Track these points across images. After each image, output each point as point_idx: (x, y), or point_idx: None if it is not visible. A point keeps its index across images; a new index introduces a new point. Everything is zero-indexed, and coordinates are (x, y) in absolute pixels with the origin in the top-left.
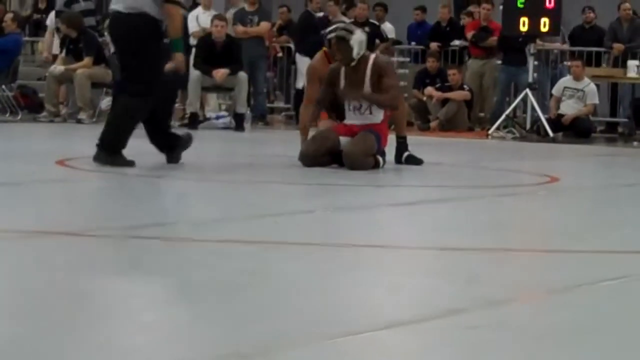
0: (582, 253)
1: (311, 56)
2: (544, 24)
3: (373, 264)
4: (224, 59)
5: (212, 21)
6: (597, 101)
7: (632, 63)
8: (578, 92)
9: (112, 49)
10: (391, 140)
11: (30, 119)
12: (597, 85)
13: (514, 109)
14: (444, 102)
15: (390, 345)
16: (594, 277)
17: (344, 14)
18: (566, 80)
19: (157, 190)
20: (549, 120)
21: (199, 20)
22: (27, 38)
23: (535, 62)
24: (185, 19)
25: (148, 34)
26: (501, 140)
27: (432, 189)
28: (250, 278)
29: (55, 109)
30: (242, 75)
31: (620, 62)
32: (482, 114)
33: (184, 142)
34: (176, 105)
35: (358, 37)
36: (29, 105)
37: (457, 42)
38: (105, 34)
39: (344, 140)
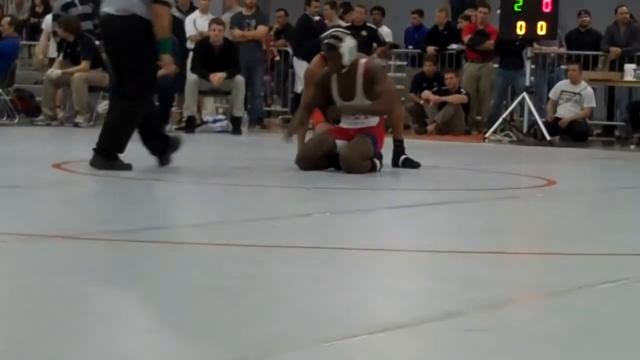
0: (580, 255)
1: (309, 60)
2: (541, 27)
3: (370, 266)
4: (221, 62)
5: (209, 25)
6: (594, 104)
7: (629, 67)
8: (575, 96)
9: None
10: (388, 144)
11: (27, 123)
12: (594, 89)
13: (511, 113)
14: (441, 105)
15: (387, 348)
16: (592, 279)
17: (341, 17)
18: (563, 84)
19: (154, 194)
20: (546, 123)
21: (197, 24)
22: (24, 42)
23: (532, 66)
24: (182, 22)
25: (140, 35)
26: (498, 144)
27: (429, 192)
28: (247, 281)
29: (52, 112)
30: (239, 78)
31: (617, 65)
32: (479, 118)
33: (174, 145)
34: (173, 108)
35: (348, 44)
36: (26, 108)
37: (454, 46)
38: None
39: (340, 143)
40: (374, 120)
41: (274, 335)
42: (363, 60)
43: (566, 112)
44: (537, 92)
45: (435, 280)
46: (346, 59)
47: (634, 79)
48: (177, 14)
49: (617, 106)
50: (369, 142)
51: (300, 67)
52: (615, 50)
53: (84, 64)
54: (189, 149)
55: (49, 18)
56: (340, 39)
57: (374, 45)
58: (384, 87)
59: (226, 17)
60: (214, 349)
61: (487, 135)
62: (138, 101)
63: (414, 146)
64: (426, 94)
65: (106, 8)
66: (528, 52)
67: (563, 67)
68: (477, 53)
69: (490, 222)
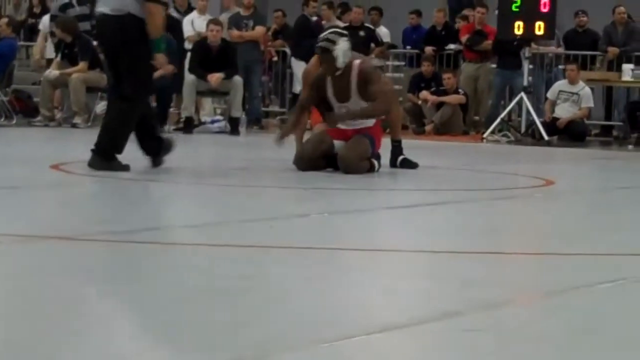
0: (578, 255)
1: (307, 60)
2: (539, 27)
3: (368, 267)
4: (219, 63)
5: (207, 25)
6: (592, 105)
7: (627, 67)
8: (573, 96)
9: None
10: (386, 144)
11: (25, 124)
12: (592, 89)
13: (509, 113)
14: (439, 105)
15: (386, 348)
16: (590, 279)
17: (339, 18)
18: (561, 84)
19: (151, 195)
20: (544, 123)
21: (194, 24)
22: (22, 42)
23: (530, 66)
24: (179, 23)
25: (135, 35)
26: (496, 144)
27: (427, 193)
28: (245, 282)
29: (50, 113)
30: (237, 79)
31: (615, 65)
32: (477, 118)
33: (167, 147)
34: (171, 109)
35: (342, 47)
36: (24, 109)
37: (452, 46)
38: None
39: (338, 143)
40: (371, 121)
41: (272, 336)
42: (357, 62)
43: (564, 112)
44: (535, 92)
45: (433, 281)
46: (340, 62)
47: (632, 79)
48: (174, 14)
49: (615, 106)
50: (366, 143)
51: (299, 67)
52: (613, 50)
53: (82, 64)
54: (187, 150)
55: (46, 19)
56: (333, 42)
57: (372, 45)
58: (379, 88)
59: (224, 18)
60: (212, 349)
61: (485, 135)
62: (135, 101)
63: (412, 146)
64: (424, 94)
65: (101, 8)
66: (526, 52)
67: (561, 67)
68: (474, 53)
69: (488, 222)
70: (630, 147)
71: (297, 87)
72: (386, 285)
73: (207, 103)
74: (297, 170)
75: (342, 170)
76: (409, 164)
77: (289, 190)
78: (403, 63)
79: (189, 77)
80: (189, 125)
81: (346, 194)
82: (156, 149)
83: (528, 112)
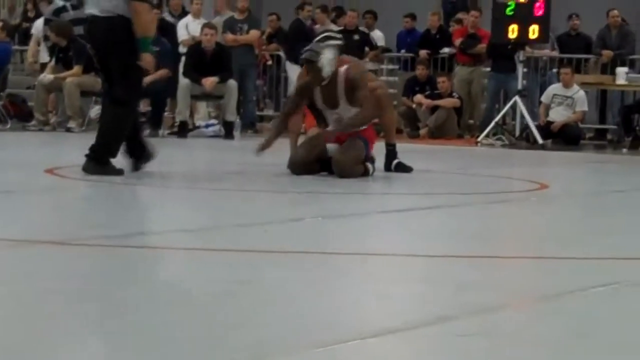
0: (573, 259)
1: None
2: (533, 31)
3: (362, 271)
4: (213, 67)
5: (201, 29)
6: (586, 108)
7: (621, 70)
8: (567, 99)
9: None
10: (380, 148)
11: (19, 128)
12: (586, 92)
13: (503, 116)
14: (434, 109)
15: (380, 352)
16: (584, 283)
17: (333, 21)
18: (555, 87)
19: (146, 199)
20: (538, 127)
21: (189, 28)
22: (16, 47)
23: (525, 69)
24: (174, 27)
25: (125, 37)
26: (490, 148)
27: (421, 197)
28: (239, 286)
29: (45, 117)
30: (232, 83)
31: (609, 69)
32: (471, 121)
33: (147, 155)
34: (166, 113)
35: (327, 56)
36: (18, 114)
37: (446, 50)
38: None
39: (331, 147)
40: None
41: (266, 340)
42: (343, 68)
43: (558, 115)
44: (530, 95)
45: (427, 285)
46: (326, 71)
47: (626, 83)
48: (169, 18)
49: (609, 110)
50: (361, 145)
51: (293, 71)
52: (607, 54)
53: (76, 68)
54: (181, 154)
55: (38, 23)
56: (318, 53)
57: (367, 49)
58: (365, 93)
59: (218, 22)
60: (206, 353)
61: (479, 139)
62: (129, 105)
63: (406, 150)
64: (418, 97)
65: (90, 9)
66: (520, 55)
67: (554, 70)
68: (468, 57)
69: (482, 226)
70: (624, 150)
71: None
72: (380, 290)
73: (202, 107)
74: (291, 175)
75: (337, 174)
76: (403, 168)
77: (283, 195)
78: (397, 67)
79: (183, 81)
80: (183, 130)
81: (340, 198)
82: (138, 152)
83: (522, 115)
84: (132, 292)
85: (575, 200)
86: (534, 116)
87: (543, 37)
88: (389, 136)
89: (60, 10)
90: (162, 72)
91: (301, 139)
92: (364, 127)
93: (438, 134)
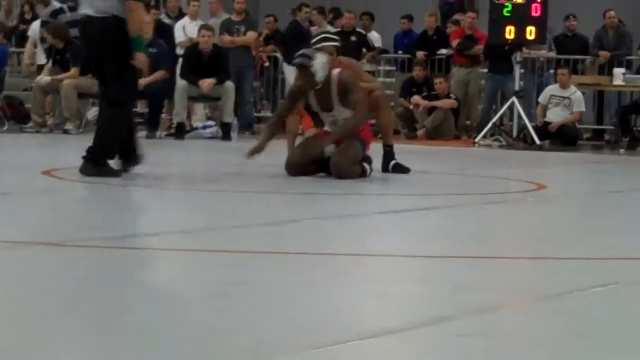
0: (571, 260)
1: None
2: (530, 32)
3: (360, 272)
4: (211, 68)
5: (199, 31)
6: (583, 109)
7: (618, 71)
8: (564, 100)
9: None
10: (378, 149)
11: (16, 130)
12: (583, 93)
13: (501, 117)
14: (431, 110)
15: (378, 353)
16: (583, 283)
17: (331, 23)
18: (552, 88)
19: (143, 201)
20: (535, 128)
21: (186, 30)
22: (13, 49)
23: (522, 70)
24: (171, 28)
25: (120, 37)
26: (488, 148)
27: (419, 197)
28: (237, 287)
29: (42, 119)
30: (229, 84)
31: (606, 69)
32: (468, 122)
33: (136, 160)
34: (163, 115)
35: (320, 61)
36: (16, 115)
37: (443, 51)
38: None
39: (328, 148)
40: None
41: (265, 341)
42: (336, 71)
43: (555, 116)
44: (527, 96)
45: (425, 285)
46: (319, 76)
47: (623, 83)
48: (166, 20)
49: (607, 110)
50: (358, 146)
51: (290, 72)
52: (604, 54)
53: (74, 70)
54: (179, 156)
55: (35, 25)
56: (310, 57)
57: (364, 50)
58: (357, 97)
59: (214, 23)
60: (204, 355)
61: (476, 139)
62: (125, 106)
63: (403, 151)
64: (416, 99)
65: (85, 10)
66: (517, 56)
67: (551, 71)
68: (465, 58)
69: (480, 226)
70: (621, 151)
71: None
72: (378, 290)
73: (199, 108)
74: (289, 176)
75: (335, 175)
76: (400, 169)
77: (281, 196)
78: (394, 68)
79: (180, 83)
80: (180, 131)
81: (338, 199)
82: (128, 154)
83: (520, 116)
84: (129, 293)
85: (572, 201)
86: (531, 117)
87: (540, 38)
88: (387, 137)
89: (58, 12)
90: (160, 74)
91: (299, 140)
92: (360, 128)
93: (435, 135)
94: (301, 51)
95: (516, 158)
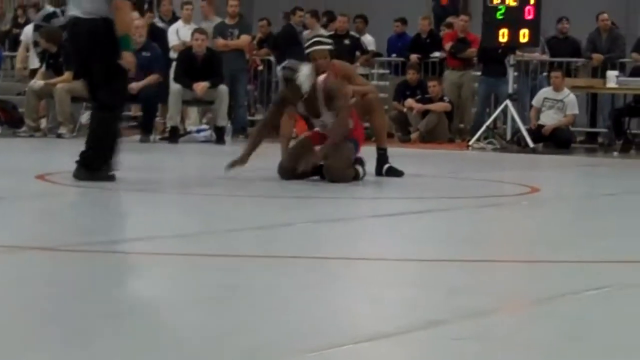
0: (564, 263)
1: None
2: (524, 35)
3: (354, 276)
4: (204, 72)
5: (192, 34)
6: (577, 111)
7: (611, 73)
8: (558, 103)
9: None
10: (371, 152)
11: (10, 134)
12: (577, 96)
13: (494, 120)
14: (425, 113)
15: (373, 357)
16: (576, 286)
17: (324, 26)
18: (546, 91)
19: (136, 205)
20: (529, 131)
21: (179, 33)
22: (6, 53)
23: (515, 73)
24: (164, 32)
25: (109, 39)
26: (482, 151)
27: (412, 201)
28: (231, 291)
29: (35, 123)
30: (223, 88)
31: (599, 72)
32: (462, 125)
33: (106, 177)
34: (157, 118)
35: (304, 73)
36: (9, 120)
37: (437, 54)
38: None
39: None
40: (349, 123)
41: (259, 345)
42: (321, 78)
43: (549, 119)
44: (520, 99)
45: (420, 289)
46: (305, 88)
47: (617, 86)
48: (159, 24)
49: (600, 113)
50: (350, 147)
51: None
52: (597, 57)
53: (67, 74)
54: (173, 160)
55: (27, 29)
56: (294, 70)
57: (357, 53)
58: (341, 103)
59: (207, 27)
60: (198, 359)
61: (470, 143)
62: (115, 109)
63: (397, 154)
64: (409, 102)
65: (73, 11)
66: (511, 59)
67: (544, 74)
68: (457, 61)
69: (474, 230)
70: (615, 153)
71: None
72: (372, 294)
73: (193, 112)
74: (281, 180)
75: (328, 179)
76: (394, 172)
77: (274, 200)
78: (388, 71)
79: (174, 87)
80: (174, 135)
81: (331, 202)
82: (89, 162)
83: (513, 119)
84: (122, 298)
85: (566, 204)
86: (524, 120)
87: (533, 40)
88: (380, 140)
89: (51, 16)
90: (153, 78)
91: (293, 142)
92: (351, 127)
93: (429, 138)
94: (285, 63)
95: (510, 161)
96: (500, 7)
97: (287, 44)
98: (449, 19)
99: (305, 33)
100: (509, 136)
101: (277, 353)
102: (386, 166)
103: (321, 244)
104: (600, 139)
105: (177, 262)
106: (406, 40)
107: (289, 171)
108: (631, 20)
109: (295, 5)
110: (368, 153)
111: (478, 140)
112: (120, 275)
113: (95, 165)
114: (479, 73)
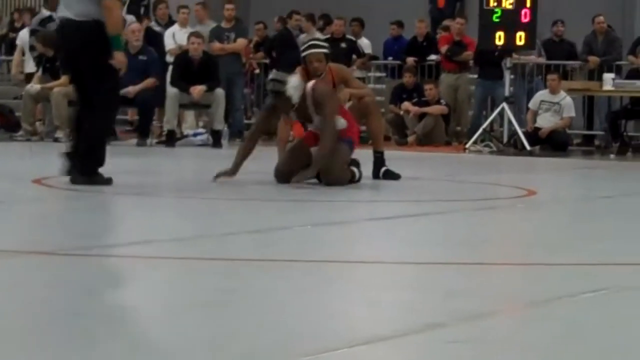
0: (561, 265)
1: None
2: (520, 37)
3: (351, 279)
4: (201, 75)
5: (188, 38)
6: (573, 114)
7: (607, 76)
8: (554, 106)
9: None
10: (368, 155)
11: (6, 138)
12: (573, 99)
13: (491, 123)
14: (421, 116)
15: None
16: (573, 289)
17: (321, 29)
18: (542, 94)
19: (133, 209)
20: (525, 133)
21: (176, 37)
22: (3, 57)
23: (512, 76)
24: (161, 36)
25: (101, 40)
26: (478, 154)
27: (409, 204)
28: (228, 295)
29: (32, 127)
30: (219, 91)
31: (596, 75)
32: (459, 128)
33: (102, 181)
34: (153, 122)
35: (293, 84)
36: (6, 124)
37: (433, 57)
38: None
39: (315, 150)
40: (342, 123)
41: (255, 349)
42: (309, 85)
43: (546, 122)
44: (517, 102)
45: (416, 292)
46: (295, 98)
47: (613, 89)
48: (156, 27)
49: (597, 116)
50: (345, 149)
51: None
52: (593, 60)
53: (64, 78)
54: (169, 163)
55: (23, 33)
56: (283, 82)
57: (354, 57)
58: (326, 111)
59: (203, 30)
60: None
61: (467, 145)
62: (107, 110)
63: (394, 157)
64: (406, 105)
65: (63, 13)
66: (507, 62)
67: (541, 77)
68: (453, 64)
69: (471, 232)
70: (612, 156)
71: None
72: (369, 297)
73: (190, 116)
74: (278, 183)
75: (325, 182)
76: (391, 175)
77: (271, 203)
78: (384, 74)
79: (171, 90)
80: (171, 139)
81: (328, 205)
82: (81, 164)
83: (510, 122)
84: (119, 302)
85: (563, 207)
86: (521, 123)
87: (529, 43)
88: (377, 143)
89: (47, 20)
90: (150, 81)
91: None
92: (344, 127)
93: (426, 141)
94: (271, 76)
95: (506, 164)
96: (496, 10)
97: (283, 47)
98: (446, 22)
99: (302, 37)
100: (505, 139)
101: (274, 357)
102: (383, 169)
103: (318, 247)
104: (597, 142)
105: (173, 266)
106: (402, 43)
107: (286, 175)
108: (627, 22)
109: (292, 9)
110: (365, 156)
111: (475, 143)
112: (117, 279)
113: (91, 169)
114: (475, 76)
